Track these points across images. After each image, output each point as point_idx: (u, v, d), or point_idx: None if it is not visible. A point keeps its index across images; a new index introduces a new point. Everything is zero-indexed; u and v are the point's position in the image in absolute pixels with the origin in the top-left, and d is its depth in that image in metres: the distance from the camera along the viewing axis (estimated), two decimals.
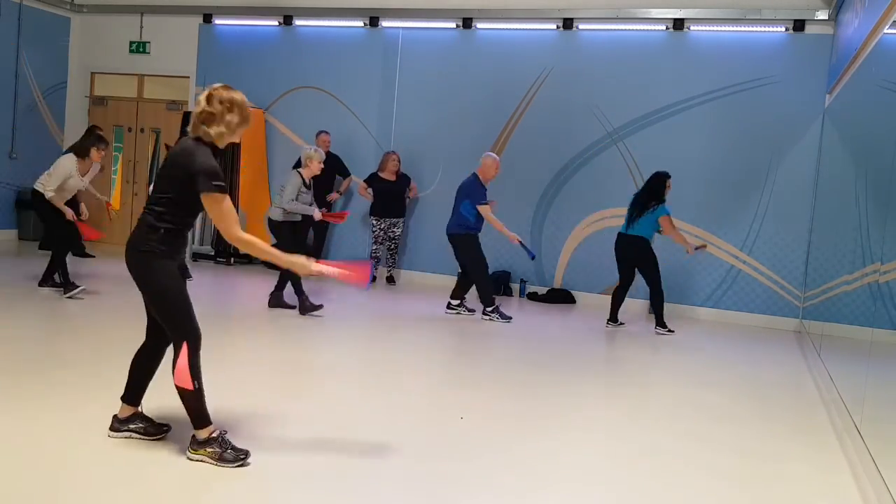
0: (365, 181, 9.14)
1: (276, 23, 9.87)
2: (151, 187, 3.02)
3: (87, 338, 5.45)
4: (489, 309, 7.17)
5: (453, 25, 9.15)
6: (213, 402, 3.33)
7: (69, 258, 6.85)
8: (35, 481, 2.94)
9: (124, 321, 5.83)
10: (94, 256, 9.14)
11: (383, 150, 9.38)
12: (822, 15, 7.80)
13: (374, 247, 9.22)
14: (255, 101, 9.91)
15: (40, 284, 6.78)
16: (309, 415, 4.05)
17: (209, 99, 3.19)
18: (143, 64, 10.62)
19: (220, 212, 3.15)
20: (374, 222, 9.13)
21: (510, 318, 7.13)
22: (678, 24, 8.32)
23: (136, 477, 3.06)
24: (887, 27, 4.46)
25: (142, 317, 3.38)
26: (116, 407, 3.43)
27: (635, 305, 8.47)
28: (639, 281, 8.75)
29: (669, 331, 7.10)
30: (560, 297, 8.68)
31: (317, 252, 9.40)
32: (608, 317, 7.32)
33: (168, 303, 3.23)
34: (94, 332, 5.64)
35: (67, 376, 4.30)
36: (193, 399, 3.21)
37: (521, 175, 8.89)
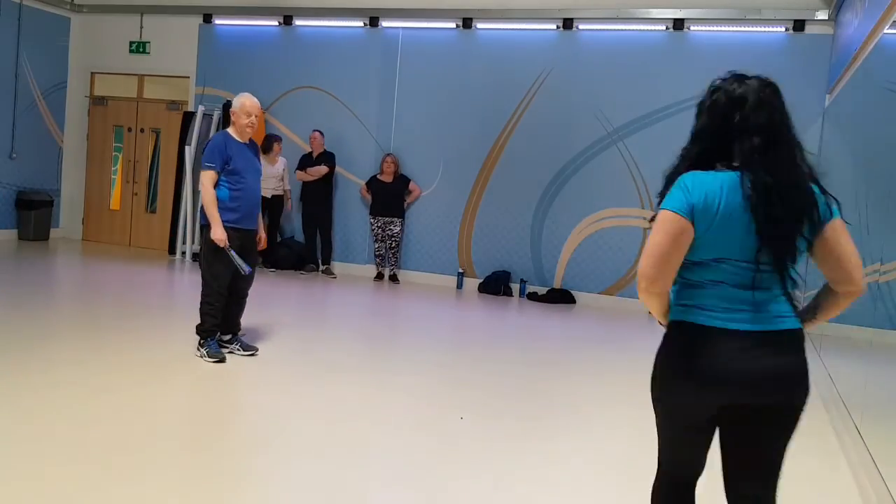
0: (366, 183, 9.27)
1: (276, 23, 9.86)
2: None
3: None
4: (200, 340, 4.99)
5: (453, 25, 9.15)
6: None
7: None
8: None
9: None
10: None
11: (383, 149, 9.41)
12: (822, 15, 7.79)
13: (376, 245, 9.38)
14: None
15: None
16: (308, 414, 4.05)
17: None
18: (143, 64, 10.62)
19: None
20: (371, 221, 9.33)
21: (222, 356, 4.93)
22: (678, 24, 8.32)
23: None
24: (887, 27, 4.46)
25: None
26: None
27: (635, 305, 8.47)
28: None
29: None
30: (560, 297, 8.68)
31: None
32: None
33: None
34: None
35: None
36: None
37: (521, 175, 8.89)
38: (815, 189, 1.98)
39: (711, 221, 1.92)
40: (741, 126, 1.97)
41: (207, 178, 4.82)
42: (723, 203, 1.91)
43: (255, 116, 4.95)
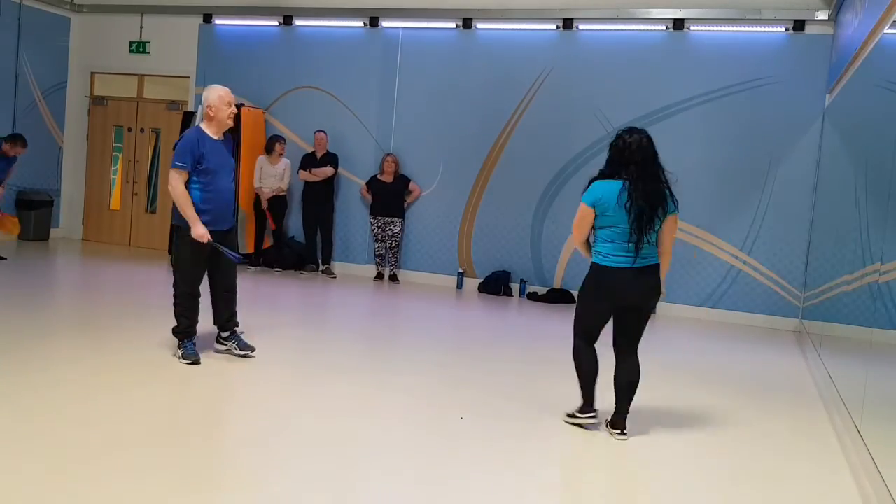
0: (366, 183, 9.27)
1: (276, 23, 9.86)
2: None
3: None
4: (178, 343, 4.91)
5: (453, 25, 9.15)
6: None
7: None
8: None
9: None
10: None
11: (383, 149, 9.40)
12: (822, 15, 7.79)
13: (376, 245, 9.36)
14: (255, 101, 9.91)
15: None
16: (308, 413, 4.05)
17: None
18: (143, 64, 10.62)
19: None
20: (371, 221, 9.31)
21: (197, 358, 4.83)
22: (678, 24, 8.31)
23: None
24: (887, 27, 4.46)
25: None
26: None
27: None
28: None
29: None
30: (560, 297, 8.67)
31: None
32: None
33: None
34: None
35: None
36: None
37: (521, 175, 8.89)
38: (667, 193, 3.80)
39: (605, 209, 3.79)
40: (628, 157, 3.79)
41: (176, 178, 4.60)
42: (613, 199, 3.77)
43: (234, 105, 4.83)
